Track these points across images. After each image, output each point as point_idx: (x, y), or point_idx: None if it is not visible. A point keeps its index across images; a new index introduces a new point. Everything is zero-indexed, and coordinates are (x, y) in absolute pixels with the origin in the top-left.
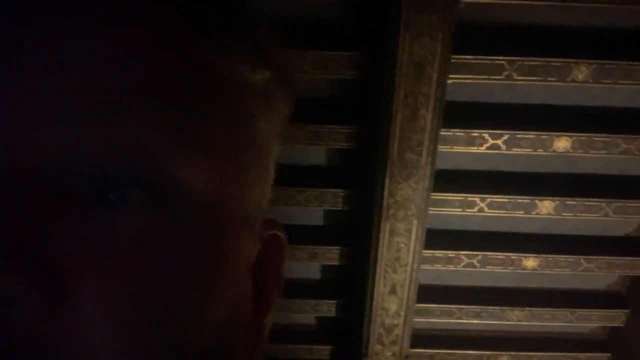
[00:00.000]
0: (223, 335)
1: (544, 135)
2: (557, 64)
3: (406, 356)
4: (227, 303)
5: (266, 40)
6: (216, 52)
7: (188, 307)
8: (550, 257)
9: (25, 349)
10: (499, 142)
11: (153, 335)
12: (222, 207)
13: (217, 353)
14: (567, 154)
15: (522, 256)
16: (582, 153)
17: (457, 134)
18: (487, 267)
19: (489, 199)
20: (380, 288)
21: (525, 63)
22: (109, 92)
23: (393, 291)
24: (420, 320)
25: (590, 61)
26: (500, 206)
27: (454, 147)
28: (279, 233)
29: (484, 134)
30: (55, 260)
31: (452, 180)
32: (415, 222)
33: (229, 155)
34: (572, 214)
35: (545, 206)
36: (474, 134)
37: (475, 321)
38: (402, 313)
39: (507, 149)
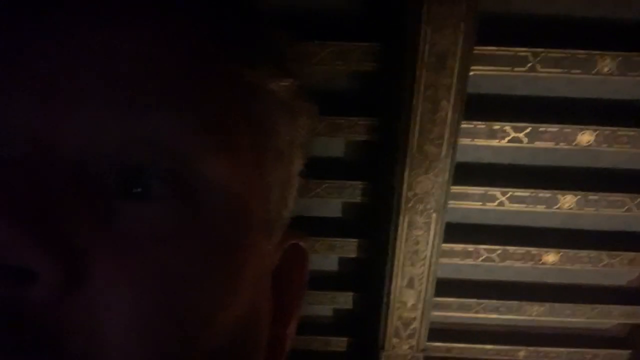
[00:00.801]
0: (236, 338)
1: (567, 129)
2: (581, 56)
3: (423, 350)
4: (242, 304)
5: (288, 51)
6: (242, 59)
7: (203, 302)
8: (571, 252)
9: (41, 327)
10: (521, 135)
11: (167, 326)
12: (241, 207)
13: (229, 354)
14: (591, 147)
15: (542, 251)
16: (605, 147)
17: (478, 126)
18: (507, 261)
19: (510, 193)
20: (398, 281)
21: (549, 55)
22: (136, 88)
23: (411, 284)
24: (437, 314)
25: (616, 53)
26: (521, 200)
27: (475, 140)
28: (300, 243)
29: (505, 127)
30: (78, 244)
31: (472, 173)
32: (434, 215)
33: (251, 157)
34: (594, 209)
35: (567, 201)
36: (495, 127)
37: (493, 315)
38: (420, 306)
39: (529, 142)
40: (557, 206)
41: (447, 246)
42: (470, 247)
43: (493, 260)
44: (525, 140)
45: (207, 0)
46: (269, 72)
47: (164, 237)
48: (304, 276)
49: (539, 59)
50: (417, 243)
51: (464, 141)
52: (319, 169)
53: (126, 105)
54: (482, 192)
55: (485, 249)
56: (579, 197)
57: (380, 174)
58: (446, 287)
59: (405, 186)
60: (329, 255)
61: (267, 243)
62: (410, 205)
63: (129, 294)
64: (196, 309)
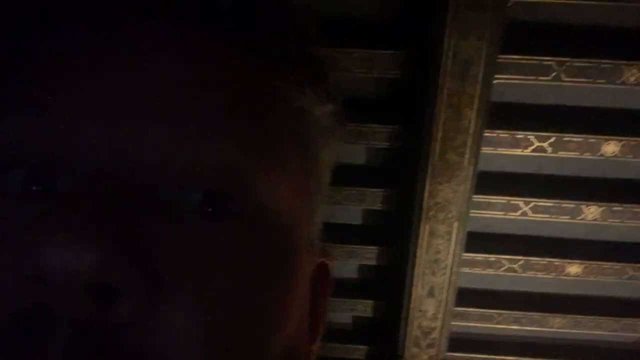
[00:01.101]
0: (286, 356)
1: (592, 139)
2: (607, 65)
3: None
4: (292, 323)
5: (330, 75)
6: (294, 83)
7: (263, 323)
8: (595, 263)
9: (124, 346)
10: (545, 144)
11: (232, 346)
12: (293, 229)
13: None
14: (616, 158)
15: (565, 262)
16: (631, 158)
17: (502, 135)
18: (529, 272)
19: (533, 203)
20: (418, 290)
21: (575, 64)
22: (207, 113)
23: (431, 294)
24: (458, 324)
25: None
26: (545, 210)
27: (498, 149)
28: (327, 262)
29: (529, 136)
30: (157, 264)
31: (495, 182)
32: (455, 224)
33: (300, 180)
34: (619, 220)
35: (592, 211)
36: (518, 136)
37: (515, 327)
38: (440, 316)
39: (553, 152)
40: (581, 217)
41: (468, 255)
42: (492, 257)
43: (515, 271)
44: (550, 149)
45: (262, 22)
46: (316, 96)
47: (230, 258)
48: (329, 294)
49: (563, 67)
50: (438, 252)
51: (487, 150)
52: (341, 176)
53: (198, 129)
54: (505, 201)
55: (507, 259)
56: (603, 208)
57: (401, 182)
58: (467, 296)
59: (426, 194)
60: (349, 262)
61: (310, 263)
62: (431, 213)
63: (200, 313)
64: (257, 330)
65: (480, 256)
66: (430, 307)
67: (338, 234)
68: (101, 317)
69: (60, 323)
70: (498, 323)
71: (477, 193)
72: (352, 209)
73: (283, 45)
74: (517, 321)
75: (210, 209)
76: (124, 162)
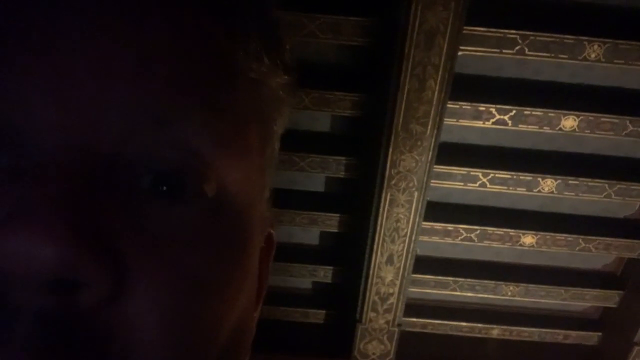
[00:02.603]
0: (239, 327)
1: (552, 113)
2: (570, 41)
3: (399, 324)
4: (246, 298)
5: (286, 44)
6: (252, 56)
7: (222, 301)
8: (549, 235)
9: (89, 334)
10: (506, 117)
11: (194, 325)
12: (250, 207)
13: (233, 344)
14: (574, 133)
15: (520, 233)
16: (588, 133)
17: (464, 107)
18: (485, 241)
19: (492, 174)
20: (378, 257)
21: (538, 38)
22: (169, 93)
23: (390, 261)
24: (415, 290)
25: (604, 40)
26: (503, 182)
27: (460, 121)
28: (272, 231)
29: (491, 109)
30: (120, 250)
31: (456, 153)
32: (416, 194)
33: (258, 159)
34: (574, 194)
35: (548, 184)
36: (481, 108)
37: (469, 294)
38: (398, 282)
39: (514, 125)
40: (537, 189)
41: (427, 224)
42: (450, 227)
43: (472, 240)
44: (510, 122)
45: None
46: (273, 67)
47: (192, 240)
48: (271, 261)
49: (527, 42)
50: (398, 220)
51: (449, 121)
52: (304, 143)
53: (154, 109)
54: (465, 172)
55: (464, 229)
56: (559, 181)
57: (364, 150)
58: (425, 264)
59: (389, 163)
60: (310, 228)
61: (262, 238)
62: (393, 182)
63: (164, 297)
64: (217, 309)
65: (438, 225)
66: (388, 273)
67: (301, 200)
68: (65, 308)
69: (25, 314)
70: (453, 290)
71: (437, 163)
72: (315, 176)
73: (240, 12)
74: (471, 288)
75: (167, 188)
76: (81, 145)
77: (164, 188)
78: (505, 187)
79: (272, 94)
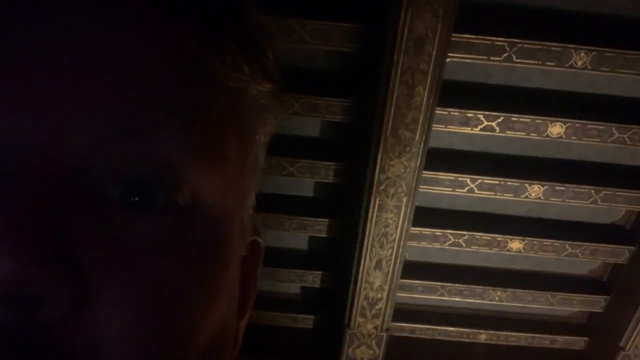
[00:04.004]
0: (216, 338)
1: (539, 120)
2: (557, 48)
3: (387, 329)
4: (222, 307)
5: (269, 51)
6: (231, 64)
7: (194, 312)
8: (536, 240)
9: (52, 349)
10: (494, 124)
11: (163, 337)
12: (227, 217)
13: (211, 354)
14: (561, 139)
15: (507, 238)
16: (575, 139)
17: (452, 113)
18: (473, 247)
19: (480, 180)
20: (366, 262)
21: (526, 46)
22: (138, 103)
23: (379, 266)
24: (403, 295)
25: (591, 48)
26: (490, 188)
27: (449, 127)
28: (259, 239)
29: (479, 115)
30: (83, 262)
31: (444, 159)
32: (404, 199)
33: (236, 169)
34: (561, 200)
35: (535, 190)
36: (469, 115)
37: (457, 299)
38: (386, 287)
39: (501, 132)
40: (524, 195)
41: (415, 230)
42: (438, 232)
43: (460, 245)
44: (498, 129)
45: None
46: (253, 74)
47: (162, 253)
48: (259, 270)
49: (515, 49)
50: (387, 226)
51: (438, 127)
52: (294, 148)
53: (127, 120)
54: (453, 178)
55: (452, 234)
56: (546, 187)
57: (353, 156)
58: (413, 269)
59: (377, 169)
60: (299, 233)
61: (242, 248)
62: (381, 188)
63: (130, 310)
64: (188, 319)
65: (427, 230)
66: (377, 279)
67: (289, 205)
68: (25, 323)
69: None
70: (441, 295)
71: (426, 169)
72: (304, 181)
73: (219, 20)
74: (459, 293)
75: (136, 199)
76: (50, 156)
77: (136, 199)
78: (493, 193)
79: (253, 103)
